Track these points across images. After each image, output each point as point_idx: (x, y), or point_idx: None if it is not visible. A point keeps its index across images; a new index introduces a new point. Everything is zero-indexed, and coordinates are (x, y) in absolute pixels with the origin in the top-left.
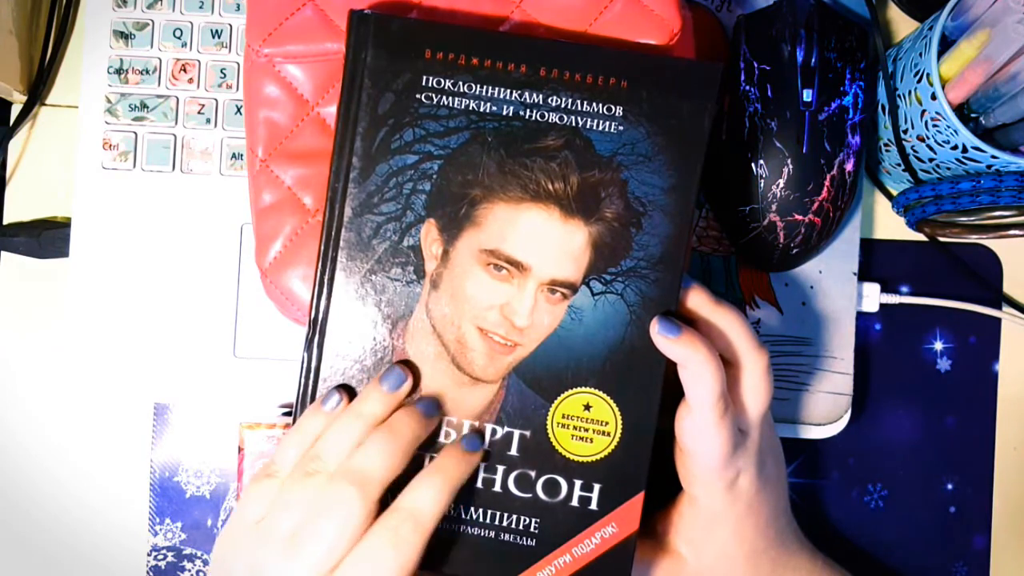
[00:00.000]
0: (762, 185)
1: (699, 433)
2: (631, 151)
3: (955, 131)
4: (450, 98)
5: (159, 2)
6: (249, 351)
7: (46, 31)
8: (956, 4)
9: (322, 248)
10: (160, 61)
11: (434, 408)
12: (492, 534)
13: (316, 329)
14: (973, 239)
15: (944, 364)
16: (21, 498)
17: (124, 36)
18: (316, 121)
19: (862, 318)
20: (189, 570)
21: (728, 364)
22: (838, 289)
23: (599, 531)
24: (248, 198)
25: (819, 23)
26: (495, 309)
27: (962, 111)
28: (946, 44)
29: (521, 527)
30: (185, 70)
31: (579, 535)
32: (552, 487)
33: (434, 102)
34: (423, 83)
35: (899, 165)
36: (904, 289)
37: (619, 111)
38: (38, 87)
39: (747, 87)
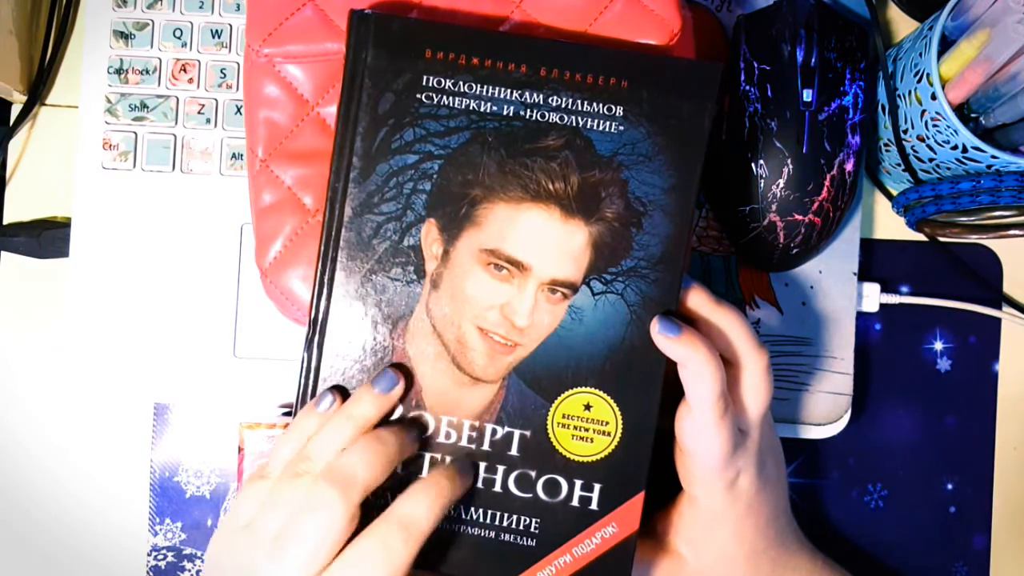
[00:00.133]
0: (762, 185)
1: (699, 433)
2: (631, 151)
3: (955, 131)
4: (450, 98)
5: (159, 2)
6: (249, 351)
7: (46, 31)
8: (956, 4)
9: (322, 248)
10: (160, 61)
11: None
12: (492, 534)
13: (316, 329)
14: (973, 239)
15: (944, 364)
16: (21, 498)
17: (124, 36)
18: (316, 121)
19: (862, 318)
20: (189, 570)
21: (728, 364)
22: (838, 289)
23: (599, 531)
24: (248, 198)
25: (819, 23)
26: (495, 309)
27: (962, 111)
28: (946, 44)
29: (521, 527)
30: (185, 70)
31: (579, 535)
32: (552, 487)
33: (434, 102)
34: (423, 83)
35: (899, 165)
36: (904, 289)
37: (619, 111)
38: (38, 87)
39: (747, 87)
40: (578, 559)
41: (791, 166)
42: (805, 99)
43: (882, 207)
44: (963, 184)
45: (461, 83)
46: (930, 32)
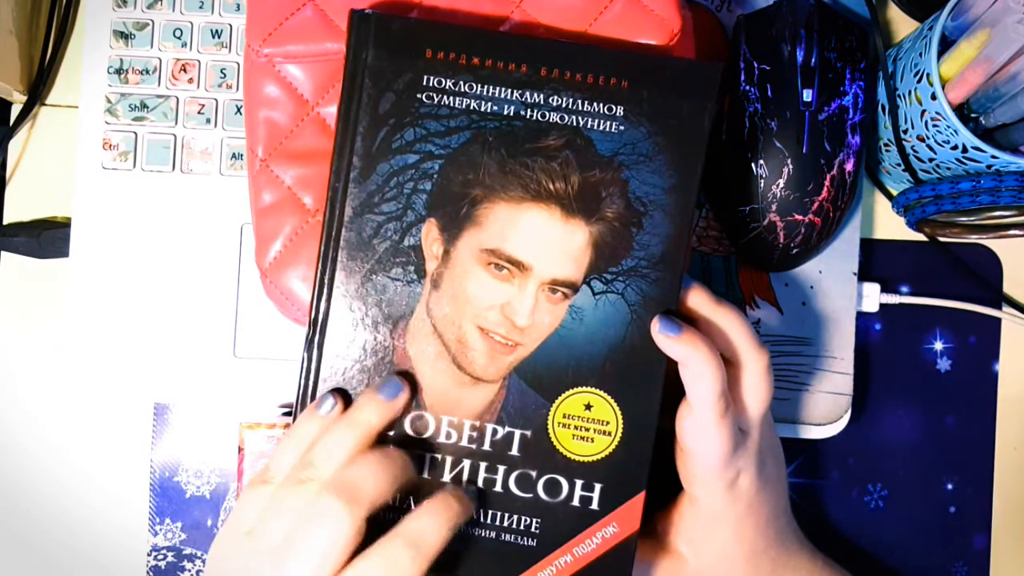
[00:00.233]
0: (762, 185)
1: (699, 432)
2: (632, 151)
3: (955, 131)
4: (451, 98)
5: (159, 2)
6: (249, 351)
7: (46, 31)
8: (956, 4)
9: (322, 248)
10: (160, 61)
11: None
12: (493, 534)
13: (316, 329)
14: (973, 239)
15: (944, 364)
16: (21, 498)
17: (124, 36)
18: (316, 121)
19: (862, 318)
20: (189, 570)
21: (728, 364)
22: (838, 289)
23: (600, 531)
24: (248, 198)
25: (819, 23)
26: (496, 309)
27: (962, 111)
28: (946, 44)
29: (522, 527)
30: (185, 70)
31: (580, 535)
32: (553, 487)
33: (435, 102)
34: (424, 83)
35: (899, 165)
36: (904, 289)
37: (620, 111)
38: (38, 87)
39: (747, 87)
40: (579, 559)
41: (791, 166)
42: (805, 99)
43: (882, 207)
44: (963, 184)
45: (461, 83)
46: (930, 32)
